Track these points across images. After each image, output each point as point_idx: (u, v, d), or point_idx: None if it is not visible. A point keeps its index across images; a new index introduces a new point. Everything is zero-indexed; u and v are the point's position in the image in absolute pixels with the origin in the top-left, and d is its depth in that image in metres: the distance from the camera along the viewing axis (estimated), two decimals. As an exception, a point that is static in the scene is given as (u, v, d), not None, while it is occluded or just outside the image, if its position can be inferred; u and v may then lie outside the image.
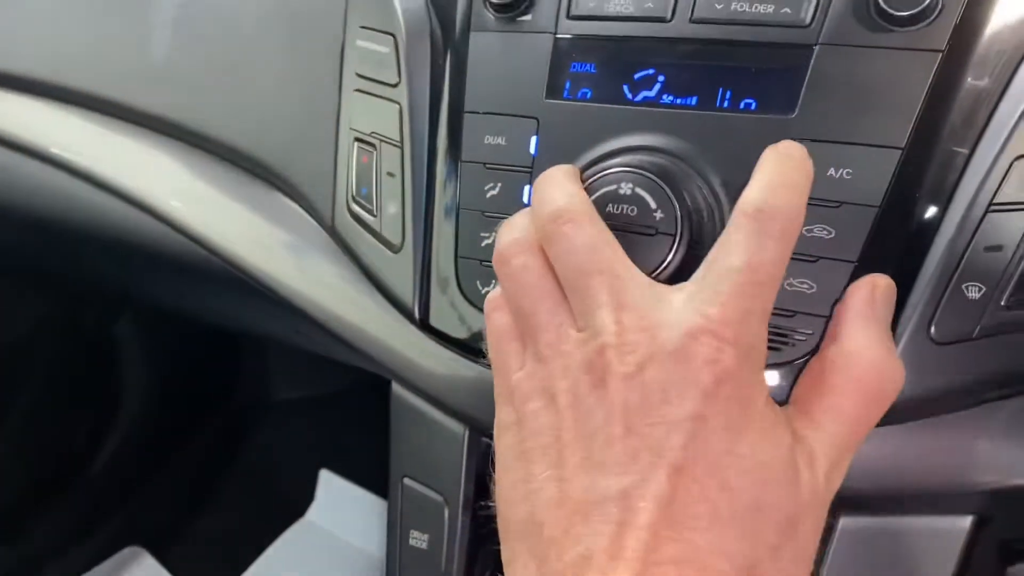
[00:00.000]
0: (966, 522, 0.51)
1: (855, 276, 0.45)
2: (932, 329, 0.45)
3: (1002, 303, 0.44)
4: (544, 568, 0.35)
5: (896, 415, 0.43)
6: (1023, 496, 0.48)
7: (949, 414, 0.47)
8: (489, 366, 0.47)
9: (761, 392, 0.37)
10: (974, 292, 0.44)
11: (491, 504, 0.44)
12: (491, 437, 0.46)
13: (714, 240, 0.46)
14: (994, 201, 0.44)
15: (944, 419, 0.48)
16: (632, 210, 0.47)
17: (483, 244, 0.54)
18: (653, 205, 0.46)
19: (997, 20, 0.46)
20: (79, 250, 1.00)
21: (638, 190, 0.47)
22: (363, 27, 0.63)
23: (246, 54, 0.72)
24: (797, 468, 0.37)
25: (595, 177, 0.48)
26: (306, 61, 0.68)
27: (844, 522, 0.52)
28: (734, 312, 0.37)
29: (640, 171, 0.47)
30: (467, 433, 0.62)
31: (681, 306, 0.38)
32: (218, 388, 1.57)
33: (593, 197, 0.47)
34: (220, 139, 0.73)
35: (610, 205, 0.47)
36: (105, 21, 0.81)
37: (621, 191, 0.47)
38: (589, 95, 0.53)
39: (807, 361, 0.45)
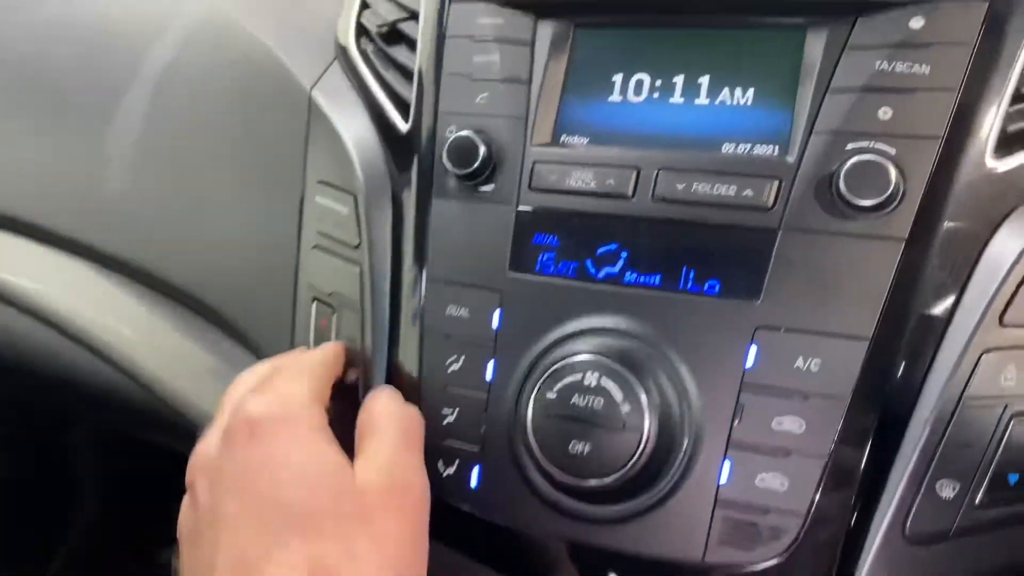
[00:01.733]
0: None
1: (827, 473, 0.44)
2: (907, 528, 0.44)
3: (976, 502, 0.43)
4: None
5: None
6: None
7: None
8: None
9: (299, 429, 0.46)
10: (948, 490, 0.44)
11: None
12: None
13: (683, 432, 0.45)
14: (965, 395, 0.44)
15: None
16: (598, 402, 0.45)
17: (444, 422, 0.52)
18: (619, 397, 0.45)
19: (955, 208, 0.46)
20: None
21: (604, 381, 0.46)
22: (322, 182, 0.62)
23: (204, 195, 0.71)
24: (350, 474, 0.45)
25: (559, 365, 0.47)
26: (264, 211, 0.67)
27: None
28: (279, 381, 0.50)
29: (605, 359, 0.46)
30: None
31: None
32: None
33: (557, 387, 0.46)
34: (173, 282, 0.71)
35: (575, 396, 0.46)
36: (59, 150, 0.80)
37: (586, 382, 0.46)
38: (552, 269, 0.52)
39: (788, 556, 0.44)
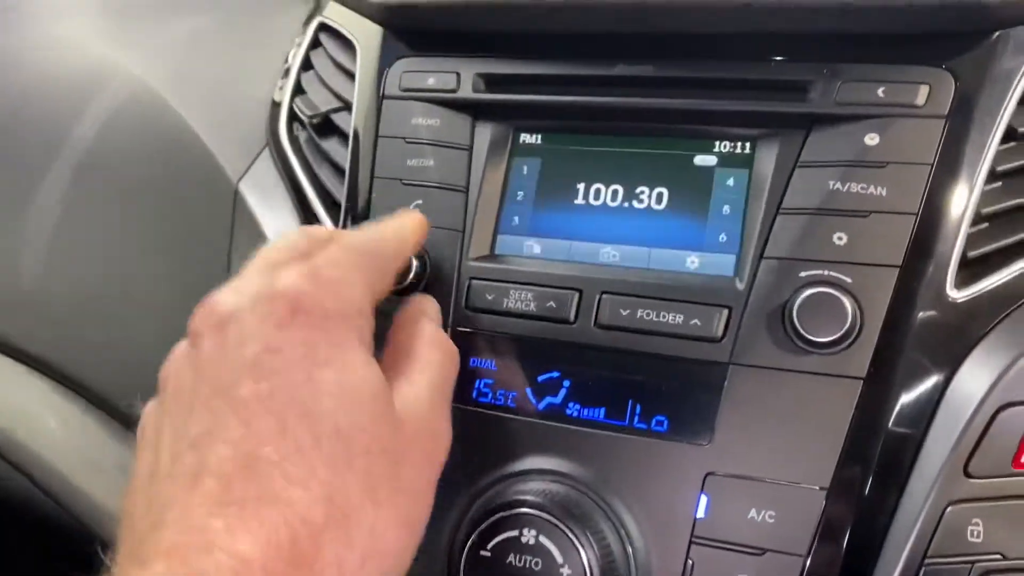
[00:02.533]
0: None
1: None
2: None
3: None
4: (131, 536, 0.35)
5: None
6: None
7: None
8: None
9: (350, 334, 0.37)
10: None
11: None
12: None
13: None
14: (929, 554, 0.40)
15: None
16: (536, 563, 0.42)
17: None
18: (559, 558, 0.41)
19: (916, 344, 0.43)
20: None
21: (542, 539, 0.42)
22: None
23: (126, 291, 0.66)
24: (391, 403, 0.37)
25: (495, 518, 0.43)
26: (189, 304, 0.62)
27: None
28: (327, 264, 0.39)
29: (545, 514, 0.42)
30: None
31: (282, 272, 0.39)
32: None
33: (491, 544, 0.42)
34: (88, 384, 0.66)
35: (511, 556, 0.42)
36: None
37: (524, 539, 0.42)
38: (489, 397, 0.48)
39: None
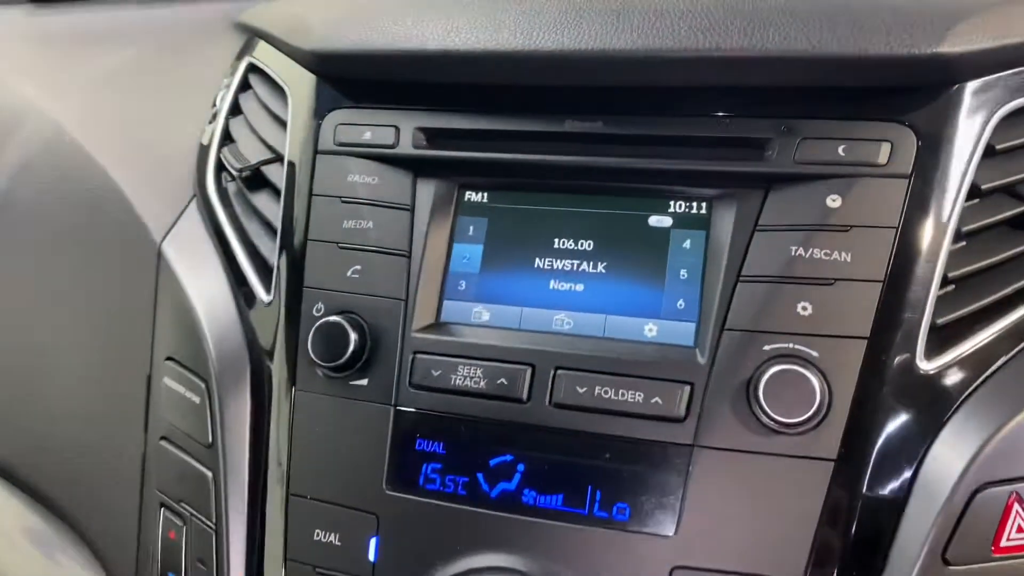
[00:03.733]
0: None
1: None
2: None
3: None
4: None
5: None
6: None
7: None
8: None
9: None
10: None
11: None
12: None
13: None
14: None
15: None
16: None
17: None
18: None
19: (888, 421, 0.40)
20: None
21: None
22: (171, 359, 0.53)
23: (39, 359, 0.61)
24: None
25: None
26: (109, 385, 0.58)
27: None
28: None
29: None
30: None
31: None
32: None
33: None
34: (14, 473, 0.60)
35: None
36: None
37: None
38: (438, 484, 0.44)
39: None
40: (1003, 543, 0.39)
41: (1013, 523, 0.39)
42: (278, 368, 0.49)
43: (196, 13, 0.73)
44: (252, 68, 0.61)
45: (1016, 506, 0.39)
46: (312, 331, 0.47)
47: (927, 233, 0.43)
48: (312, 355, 0.47)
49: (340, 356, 0.46)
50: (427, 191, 0.50)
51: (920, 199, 0.43)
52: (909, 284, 0.42)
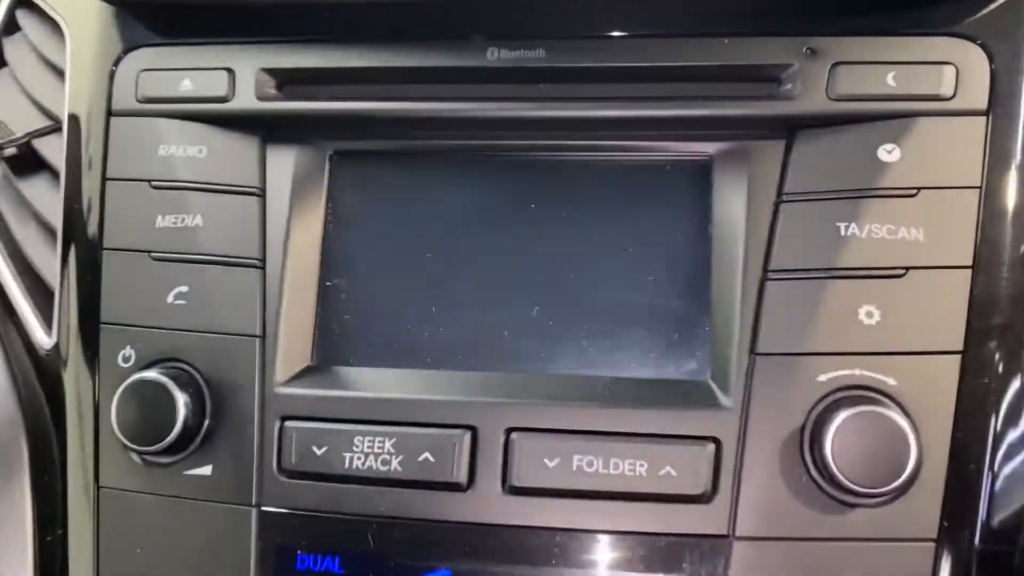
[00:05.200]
0: None
1: None
2: None
3: None
4: None
5: None
6: None
7: None
8: None
9: None
10: None
11: None
12: None
13: None
14: None
15: None
16: None
17: None
18: None
19: (1000, 478, 0.28)
20: None
21: None
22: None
23: None
24: None
25: None
26: None
27: None
28: None
29: None
30: None
31: None
32: None
33: None
34: None
35: None
36: None
37: None
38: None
39: None
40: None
41: None
42: (73, 452, 0.32)
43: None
44: (21, 3, 0.44)
45: None
46: (118, 394, 0.30)
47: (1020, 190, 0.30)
48: (119, 434, 0.30)
49: (164, 434, 0.30)
50: (284, 164, 0.34)
51: (1005, 143, 0.31)
52: (1008, 267, 0.29)
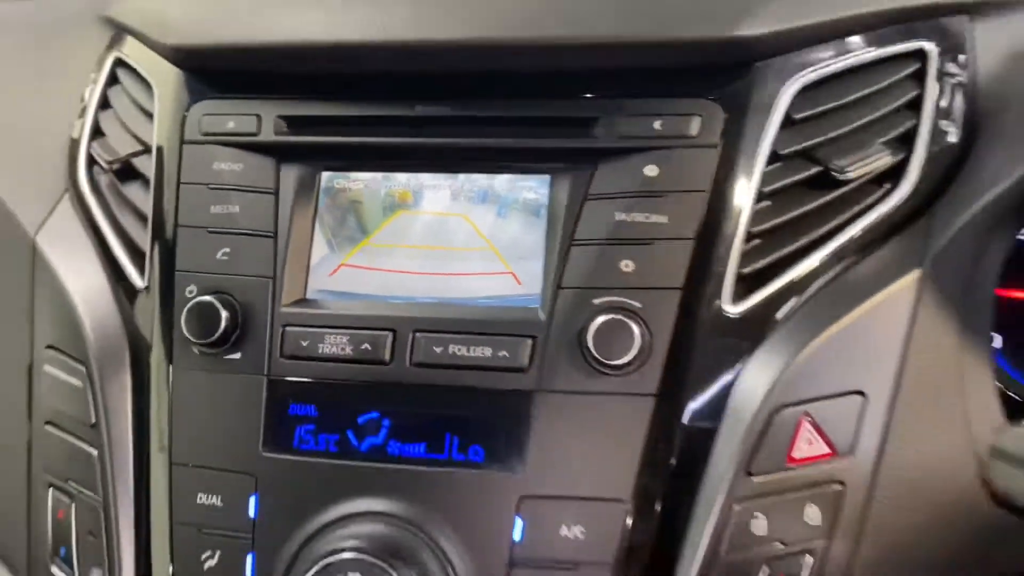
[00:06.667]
0: None
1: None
2: None
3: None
4: None
5: None
6: None
7: None
8: None
9: None
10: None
11: None
12: None
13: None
14: (721, 550, 0.45)
15: None
16: (362, 605, 0.43)
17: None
18: (383, 599, 0.43)
19: (701, 358, 0.47)
20: None
21: (361, 584, 0.43)
22: (50, 347, 0.56)
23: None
24: None
25: (320, 566, 0.44)
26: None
27: None
28: None
29: (369, 556, 0.44)
30: None
31: None
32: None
33: (323, 592, 0.43)
34: None
35: (335, 600, 0.43)
36: None
37: (345, 585, 0.43)
38: (311, 444, 0.49)
39: None
40: (794, 454, 0.46)
41: (802, 438, 0.46)
42: (156, 348, 0.53)
43: (61, 6, 0.74)
44: (119, 62, 0.63)
45: (805, 423, 0.46)
46: (185, 311, 0.50)
47: (733, 195, 0.49)
48: (186, 334, 0.50)
49: (213, 333, 0.50)
50: (290, 175, 0.54)
51: (727, 165, 0.50)
52: (717, 240, 0.49)
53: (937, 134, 0.52)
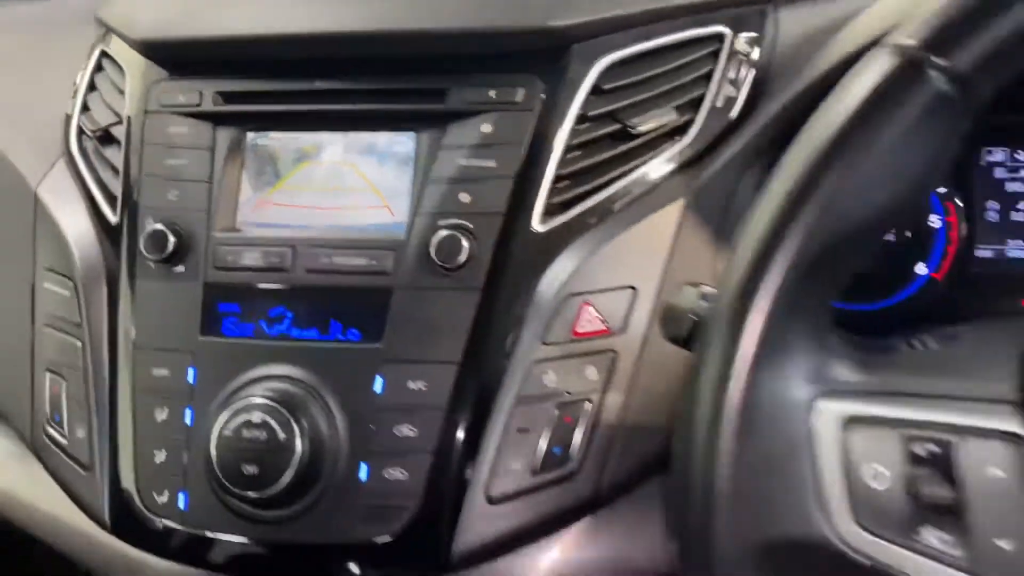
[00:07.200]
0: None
1: (434, 463, 0.62)
2: (489, 494, 0.62)
3: (534, 470, 0.62)
4: None
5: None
6: None
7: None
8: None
9: None
10: (516, 464, 0.62)
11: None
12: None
13: (331, 449, 0.61)
14: (522, 395, 0.62)
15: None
16: (262, 434, 0.61)
17: (157, 461, 0.66)
18: (278, 429, 0.60)
19: (515, 262, 0.64)
20: None
21: (267, 418, 0.61)
22: (48, 269, 0.74)
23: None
24: None
25: (236, 407, 0.61)
26: (4, 294, 0.77)
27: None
28: None
29: (270, 401, 0.61)
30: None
31: None
32: None
33: (233, 425, 0.61)
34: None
35: (245, 431, 0.61)
36: None
37: (254, 419, 0.61)
38: (235, 331, 0.66)
39: (412, 525, 0.61)
40: (578, 329, 0.63)
41: (584, 319, 0.63)
42: (124, 266, 0.70)
43: (71, 6, 0.92)
44: (104, 54, 0.81)
45: (586, 308, 0.63)
46: (144, 237, 0.68)
47: (548, 146, 0.66)
48: (145, 253, 0.68)
49: (164, 252, 0.67)
50: (224, 136, 0.71)
51: (543, 125, 0.66)
52: (532, 179, 0.66)
53: (722, 100, 0.69)
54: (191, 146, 0.71)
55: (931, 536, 0.37)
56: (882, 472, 0.38)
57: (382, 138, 0.69)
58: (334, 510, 0.62)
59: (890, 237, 0.81)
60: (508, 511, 0.62)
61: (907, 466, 0.38)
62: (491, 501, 0.62)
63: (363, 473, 0.62)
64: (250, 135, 0.71)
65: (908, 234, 0.80)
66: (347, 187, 0.69)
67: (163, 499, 0.65)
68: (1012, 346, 0.41)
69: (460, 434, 0.63)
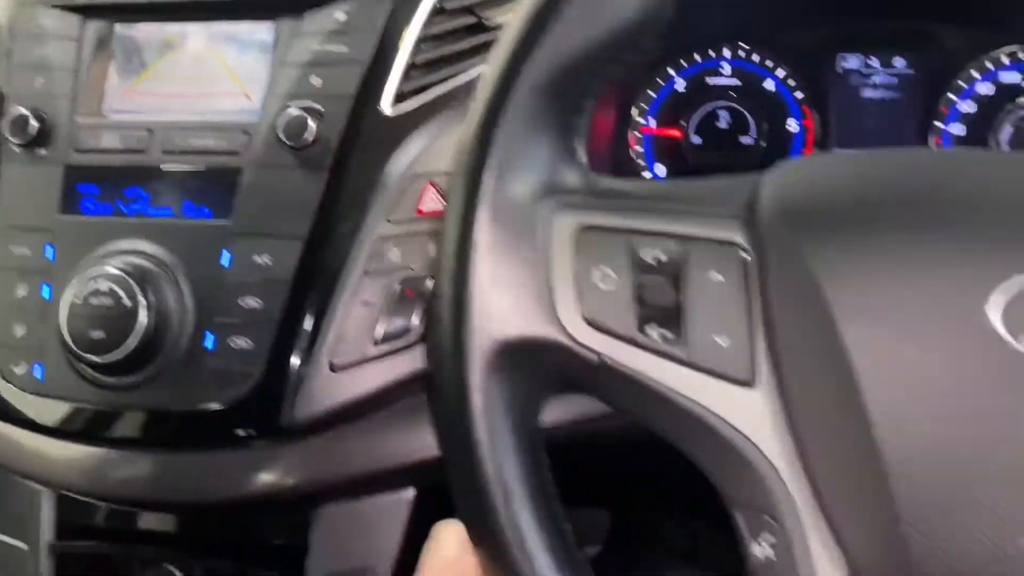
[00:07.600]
0: (409, 494, 0.70)
1: (278, 333, 0.64)
2: (332, 362, 0.64)
3: (377, 339, 0.64)
4: None
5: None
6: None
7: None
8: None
9: None
10: (360, 334, 0.64)
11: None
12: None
13: (177, 318, 0.63)
14: (367, 270, 0.64)
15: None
16: (108, 301, 0.63)
17: (17, 336, 0.68)
18: (124, 296, 0.63)
19: (364, 143, 0.66)
20: None
21: (113, 287, 0.63)
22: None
23: None
24: None
25: (87, 277, 0.63)
26: None
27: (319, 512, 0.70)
28: None
29: (118, 272, 0.63)
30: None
31: None
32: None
33: (84, 294, 0.63)
34: None
35: (93, 299, 0.63)
36: None
37: (101, 288, 0.63)
38: (93, 211, 0.68)
39: (256, 392, 0.63)
40: (421, 208, 0.65)
41: (427, 198, 0.65)
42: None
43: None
44: None
45: (430, 188, 0.66)
46: (9, 122, 0.70)
47: (401, 35, 0.69)
48: (9, 137, 0.70)
49: (26, 135, 0.69)
50: (93, 28, 0.73)
51: (399, 14, 0.69)
52: (385, 66, 0.68)
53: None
54: (59, 36, 0.73)
55: (654, 333, 0.40)
56: (610, 275, 0.41)
57: (243, 27, 0.71)
58: (180, 377, 0.65)
59: (749, 140, 0.83)
60: (349, 379, 0.64)
61: (635, 271, 0.40)
62: (333, 369, 0.64)
63: (209, 342, 0.65)
64: (118, 26, 0.73)
65: (765, 139, 0.83)
66: (209, 75, 0.71)
67: (20, 371, 0.67)
68: (747, 183, 0.44)
69: (304, 306, 0.65)
